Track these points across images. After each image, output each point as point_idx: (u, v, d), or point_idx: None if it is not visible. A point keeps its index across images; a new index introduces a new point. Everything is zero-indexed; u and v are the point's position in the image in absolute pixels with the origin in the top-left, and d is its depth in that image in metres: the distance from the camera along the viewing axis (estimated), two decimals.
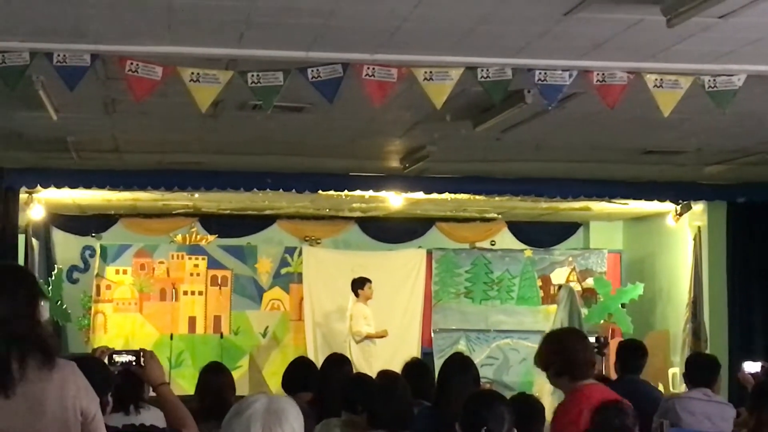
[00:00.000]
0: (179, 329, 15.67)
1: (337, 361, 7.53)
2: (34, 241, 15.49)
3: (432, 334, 16.00)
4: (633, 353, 8.50)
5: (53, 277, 15.54)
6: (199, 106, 7.02)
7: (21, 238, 14.01)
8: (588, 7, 5.79)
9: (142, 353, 4.76)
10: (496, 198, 14.06)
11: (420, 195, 13.66)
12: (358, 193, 13.61)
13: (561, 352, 5.78)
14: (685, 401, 7.60)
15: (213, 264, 16.00)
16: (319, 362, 7.98)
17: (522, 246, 17.17)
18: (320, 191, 13.30)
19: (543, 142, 10.71)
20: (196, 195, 14.16)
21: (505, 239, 17.70)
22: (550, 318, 14.97)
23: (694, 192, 13.78)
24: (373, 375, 7.22)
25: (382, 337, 14.08)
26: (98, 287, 15.67)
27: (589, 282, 15.88)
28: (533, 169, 12.63)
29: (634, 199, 14.11)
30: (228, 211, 16.57)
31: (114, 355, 4.87)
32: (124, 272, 15.76)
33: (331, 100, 7.00)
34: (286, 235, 17.32)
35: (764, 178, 12.97)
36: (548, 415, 6.19)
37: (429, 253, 16.35)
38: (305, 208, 16.20)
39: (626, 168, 12.38)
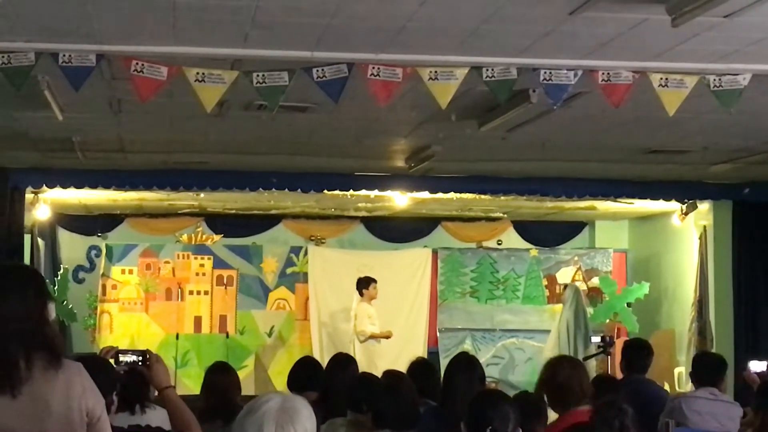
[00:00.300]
0: (185, 329, 15.69)
1: (343, 361, 7.53)
2: (40, 241, 15.52)
3: (437, 334, 16.00)
4: (638, 352, 8.48)
5: (59, 277, 15.56)
6: (204, 106, 7.03)
7: (27, 238, 14.05)
8: (593, 6, 5.79)
9: (147, 354, 4.75)
10: (502, 197, 14.05)
11: (425, 194, 13.67)
12: (363, 192, 13.62)
13: (552, 381, 5.94)
14: (692, 400, 7.58)
15: (218, 264, 16.02)
16: (324, 362, 7.97)
17: (527, 245, 17.17)
18: (325, 191, 13.31)
19: (548, 141, 10.71)
20: (202, 195, 14.17)
21: (511, 239, 17.70)
22: (555, 317, 14.95)
23: (700, 191, 13.78)
24: (379, 375, 7.22)
25: (386, 337, 14.07)
26: (104, 287, 15.70)
27: (595, 281, 15.87)
28: (538, 169, 12.62)
29: (640, 198, 14.10)
30: (233, 211, 16.58)
31: (120, 355, 4.87)
32: (130, 272, 15.78)
33: (336, 100, 7.01)
34: (292, 234, 17.33)
35: None
36: (551, 414, 6.20)
37: (434, 252, 16.35)
38: (311, 207, 16.21)
39: (632, 167, 12.37)
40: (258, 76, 6.93)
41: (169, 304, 15.80)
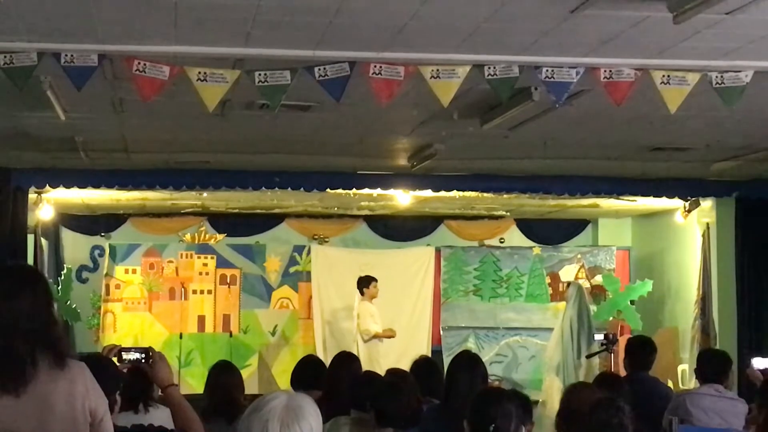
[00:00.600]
0: (188, 328, 15.70)
1: (346, 359, 7.53)
2: (44, 241, 15.53)
3: (441, 332, 16.01)
4: (642, 350, 8.49)
5: (62, 277, 15.57)
6: (206, 106, 7.03)
7: (30, 238, 14.05)
8: (594, 4, 5.78)
9: (151, 352, 4.76)
10: (505, 195, 14.05)
11: (428, 193, 13.66)
12: (366, 191, 13.62)
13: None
14: (696, 397, 7.57)
15: (222, 263, 16.04)
16: (327, 360, 7.98)
17: (530, 243, 17.18)
18: (328, 190, 13.31)
19: (551, 139, 10.70)
20: (205, 194, 14.18)
21: (514, 237, 17.71)
22: (558, 315, 14.94)
23: (703, 188, 13.77)
24: (382, 373, 7.23)
25: (390, 337, 14.07)
26: (107, 287, 15.72)
27: (598, 279, 15.88)
28: (541, 167, 12.62)
29: (643, 195, 14.09)
30: (236, 210, 16.59)
31: (123, 353, 4.87)
32: (134, 271, 15.80)
33: (339, 99, 7.01)
34: (295, 233, 17.34)
35: None
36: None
37: (437, 251, 16.36)
38: (313, 206, 16.21)
39: (634, 165, 12.36)
40: (260, 75, 6.94)
41: (173, 304, 15.82)
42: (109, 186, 12.88)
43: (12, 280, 4.11)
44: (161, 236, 16.69)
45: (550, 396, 13.53)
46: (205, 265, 16.00)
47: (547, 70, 7.00)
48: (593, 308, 14.98)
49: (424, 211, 16.56)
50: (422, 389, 6.78)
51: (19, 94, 7.22)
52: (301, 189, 13.14)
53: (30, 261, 13.81)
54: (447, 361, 13.61)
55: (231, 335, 15.73)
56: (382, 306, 14.26)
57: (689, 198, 14.28)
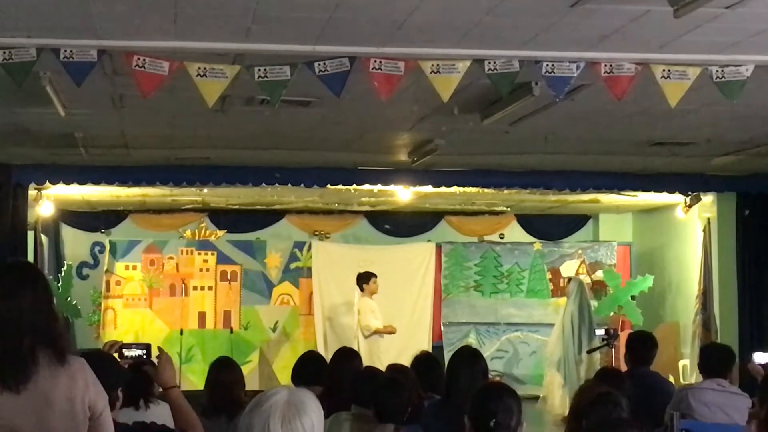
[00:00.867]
0: (189, 324, 15.71)
1: (347, 355, 7.52)
2: (44, 238, 15.53)
3: (442, 328, 16.01)
4: (642, 345, 8.47)
5: (63, 274, 15.57)
6: (206, 101, 7.02)
7: (30, 234, 14.04)
8: None
9: (158, 354, 4.75)
10: (505, 191, 14.05)
11: (428, 188, 13.66)
12: (366, 187, 13.61)
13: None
14: (699, 392, 7.54)
15: (222, 259, 16.04)
16: (328, 356, 7.97)
17: (531, 239, 17.17)
18: (329, 185, 13.30)
19: (551, 134, 10.69)
20: (205, 190, 14.17)
21: (514, 232, 17.70)
22: (559, 311, 14.94)
23: (703, 183, 13.77)
24: (383, 369, 7.23)
25: (390, 333, 14.07)
26: (108, 283, 15.73)
27: (599, 274, 15.88)
28: (542, 162, 12.61)
29: (643, 191, 14.09)
30: (237, 207, 16.59)
31: (124, 349, 4.87)
32: (134, 268, 15.81)
33: (339, 94, 7.00)
34: (295, 229, 17.34)
35: None
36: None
37: (438, 246, 16.36)
38: (314, 202, 16.21)
39: (635, 160, 12.36)
40: (260, 70, 6.93)
41: (173, 300, 15.83)
42: (109, 182, 12.88)
43: (12, 278, 4.11)
44: (161, 232, 16.70)
45: (551, 391, 13.55)
46: (206, 261, 16.00)
47: (547, 65, 6.99)
48: (594, 303, 14.98)
49: (424, 206, 16.55)
50: (423, 385, 6.78)
51: (18, 90, 7.21)
52: (302, 185, 13.13)
53: (30, 258, 13.81)
54: (448, 356, 13.59)
55: (232, 331, 15.73)
56: (382, 302, 14.26)
57: (690, 193, 14.28)
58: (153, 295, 15.79)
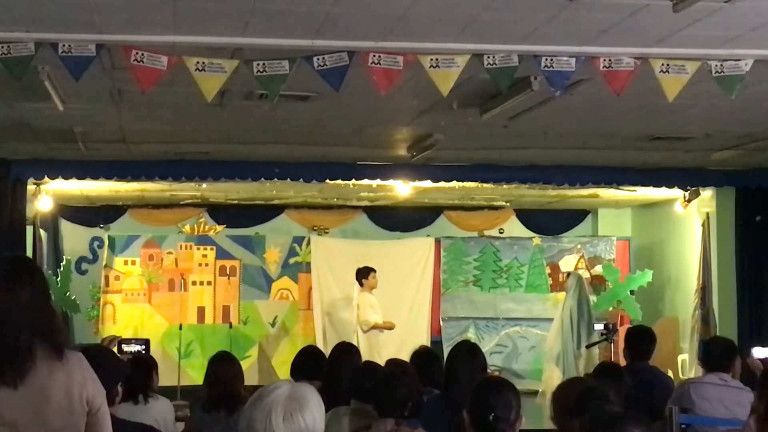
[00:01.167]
0: (188, 319, 15.71)
1: (346, 350, 7.53)
2: (43, 233, 15.52)
3: (441, 323, 16.02)
4: (641, 339, 8.48)
5: (62, 269, 15.58)
6: (205, 96, 7.02)
7: (29, 229, 14.04)
8: None
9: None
10: (504, 186, 14.04)
11: (428, 183, 13.65)
12: (365, 182, 13.61)
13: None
14: (700, 386, 7.53)
15: (221, 254, 16.05)
16: (328, 351, 7.98)
17: (530, 234, 17.17)
18: (328, 180, 13.29)
19: (550, 129, 10.69)
20: (204, 185, 14.16)
21: (514, 227, 17.70)
22: (558, 306, 14.95)
23: (702, 178, 13.76)
24: (382, 364, 7.23)
25: (389, 328, 14.08)
26: (107, 278, 15.74)
27: (598, 269, 15.88)
28: (541, 157, 12.61)
29: (643, 185, 14.08)
30: (236, 201, 16.58)
31: (123, 344, 4.88)
32: (133, 263, 15.81)
33: (338, 89, 6.99)
34: (294, 224, 17.34)
35: None
36: None
37: (437, 241, 16.36)
38: (313, 197, 16.21)
39: (634, 154, 12.35)
40: (258, 65, 6.92)
41: (172, 295, 15.83)
42: (108, 177, 12.87)
43: (9, 273, 4.10)
44: (160, 227, 16.69)
45: (549, 386, 13.51)
46: (205, 256, 16.01)
47: (546, 60, 6.99)
48: (593, 298, 15.00)
49: (423, 201, 16.55)
50: (422, 379, 6.79)
51: (16, 84, 7.20)
52: (301, 180, 13.13)
53: (29, 253, 13.81)
54: (447, 351, 13.60)
55: (231, 326, 15.73)
56: (381, 297, 14.27)
57: (689, 188, 14.27)
58: (152, 290, 15.80)
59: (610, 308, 15.24)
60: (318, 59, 6.85)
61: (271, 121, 10.26)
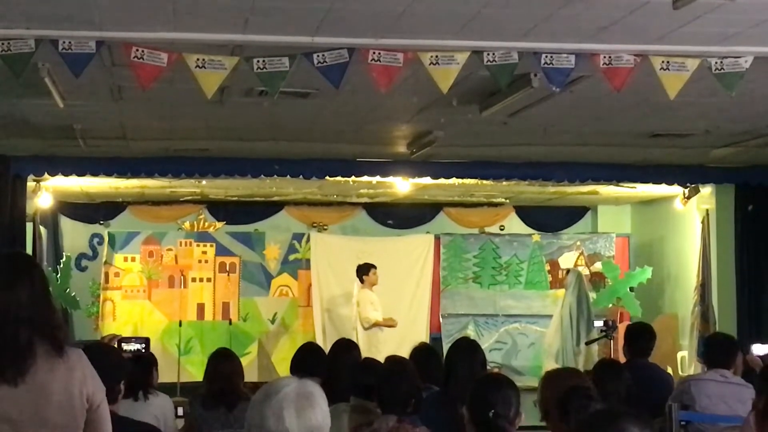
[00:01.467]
0: (188, 316, 15.70)
1: (346, 347, 7.54)
2: (42, 229, 15.52)
3: (440, 320, 15.99)
4: (641, 336, 8.48)
5: (61, 265, 15.56)
6: (205, 93, 7.02)
7: (29, 226, 14.04)
8: None
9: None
10: (504, 183, 14.04)
11: (427, 180, 13.65)
12: (365, 178, 13.60)
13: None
14: (701, 383, 7.53)
15: (221, 251, 16.04)
16: (327, 348, 7.98)
17: (530, 230, 17.15)
18: (327, 177, 13.28)
19: (550, 126, 10.69)
20: (204, 182, 14.15)
21: (513, 224, 17.68)
22: (558, 302, 14.95)
23: (702, 175, 13.76)
24: (381, 360, 7.23)
25: (391, 326, 14.08)
26: (107, 275, 15.73)
27: (598, 266, 15.86)
28: (540, 154, 12.61)
29: (642, 182, 14.08)
30: (235, 198, 16.58)
31: (122, 343, 4.88)
32: (133, 259, 15.80)
33: (337, 86, 7.00)
34: (294, 221, 17.32)
35: None
36: None
37: (437, 238, 16.34)
38: (313, 194, 16.20)
39: (634, 151, 12.35)
40: (258, 61, 6.93)
41: (172, 292, 15.82)
42: (108, 174, 12.87)
43: (9, 270, 4.10)
44: (160, 224, 16.68)
45: None
46: (205, 253, 16.00)
47: (546, 57, 6.99)
48: (593, 295, 14.99)
49: (423, 198, 16.54)
50: (421, 376, 6.78)
51: (17, 81, 7.20)
52: (301, 176, 13.12)
53: (29, 249, 13.81)
54: (446, 348, 13.59)
55: (230, 323, 15.72)
56: (381, 293, 14.27)
57: (689, 184, 14.27)
58: (152, 287, 15.79)
59: (610, 305, 15.23)
60: (318, 56, 6.85)
61: (271, 118, 10.26)
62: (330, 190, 15.51)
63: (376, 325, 13.86)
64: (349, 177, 13.45)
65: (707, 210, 14.40)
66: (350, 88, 7.74)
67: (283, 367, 14.42)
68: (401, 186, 14.51)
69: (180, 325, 15.40)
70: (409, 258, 16.05)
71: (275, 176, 13.23)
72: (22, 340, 3.91)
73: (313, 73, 6.96)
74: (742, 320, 13.90)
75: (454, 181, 13.70)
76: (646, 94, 8.28)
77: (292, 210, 17.33)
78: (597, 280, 15.69)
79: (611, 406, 4.96)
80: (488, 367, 7.67)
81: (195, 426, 7.11)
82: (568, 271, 15.33)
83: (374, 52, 6.84)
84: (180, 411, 7.75)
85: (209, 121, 10.52)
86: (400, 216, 17.35)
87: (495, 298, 16.13)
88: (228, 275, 16.02)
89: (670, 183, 14.05)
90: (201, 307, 15.86)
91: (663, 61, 7.03)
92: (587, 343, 13.43)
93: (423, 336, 15.14)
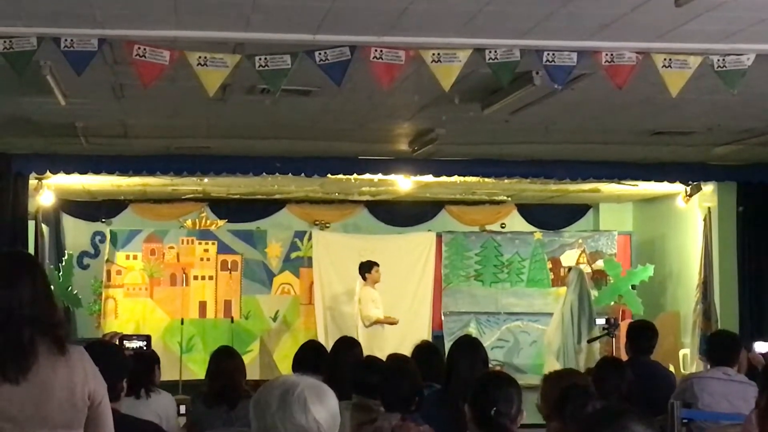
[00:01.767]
0: (190, 314, 15.70)
1: (347, 344, 7.54)
2: (44, 227, 15.53)
3: (442, 318, 16.00)
4: (643, 334, 8.48)
5: (63, 263, 15.57)
6: (207, 91, 7.02)
7: (31, 224, 14.04)
8: None
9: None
10: (506, 180, 14.04)
11: (429, 178, 13.65)
12: (367, 176, 13.59)
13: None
14: (704, 381, 7.52)
15: (223, 249, 16.03)
16: (329, 346, 7.98)
17: (532, 228, 17.14)
18: (329, 175, 13.29)
19: (552, 123, 10.69)
20: (206, 180, 14.15)
21: (515, 222, 17.68)
22: (560, 300, 14.95)
23: (704, 173, 13.76)
24: (383, 358, 7.23)
25: (392, 323, 14.09)
26: (109, 273, 15.72)
27: (599, 264, 15.87)
28: (542, 151, 12.61)
29: (644, 180, 14.08)
30: (237, 196, 16.58)
31: (124, 341, 4.88)
32: (135, 257, 15.80)
33: (339, 83, 6.99)
34: (296, 219, 17.33)
35: None
36: None
37: (439, 236, 16.34)
38: (314, 192, 16.20)
39: (635, 149, 12.35)
40: (260, 59, 6.92)
41: (174, 290, 15.82)
42: (110, 172, 12.87)
43: (10, 268, 4.09)
44: (162, 222, 16.68)
45: None
46: (206, 251, 16.00)
47: (548, 54, 6.99)
48: (594, 293, 14.99)
49: (425, 196, 16.54)
50: (423, 374, 6.78)
51: (19, 79, 7.20)
52: (302, 174, 13.12)
53: (31, 247, 13.81)
54: (448, 346, 13.60)
55: (232, 321, 15.72)
56: (383, 291, 14.27)
57: (690, 182, 14.26)
58: (154, 285, 15.79)
59: (612, 303, 15.24)
60: (320, 54, 6.85)
61: (273, 116, 10.26)
62: (332, 188, 15.52)
63: (377, 322, 13.86)
64: (351, 175, 13.45)
65: (709, 208, 14.40)
66: (352, 85, 7.74)
67: (285, 365, 14.43)
68: (403, 184, 14.51)
69: (182, 323, 15.40)
70: (410, 256, 16.05)
71: (277, 174, 13.22)
72: (24, 338, 3.91)
73: (315, 70, 6.96)
74: (744, 318, 13.90)
75: (455, 178, 13.69)
76: (648, 91, 8.28)
77: (293, 208, 17.33)
78: (599, 277, 15.69)
79: (613, 404, 4.96)
80: (490, 365, 7.67)
81: (197, 424, 7.11)
82: (569, 268, 15.34)
83: (376, 50, 6.83)
84: (182, 409, 7.74)
85: (211, 119, 10.52)
86: (402, 214, 17.35)
87: (497, 296, 16.14)
88: (230, 273, 16.02)
89: (671, 181, 14.05)
90: (203, 305, 15.86)
91: (665, 59, 7.02)
92: (589, 341, 13.43)
93: (425, 334, 15.14)
